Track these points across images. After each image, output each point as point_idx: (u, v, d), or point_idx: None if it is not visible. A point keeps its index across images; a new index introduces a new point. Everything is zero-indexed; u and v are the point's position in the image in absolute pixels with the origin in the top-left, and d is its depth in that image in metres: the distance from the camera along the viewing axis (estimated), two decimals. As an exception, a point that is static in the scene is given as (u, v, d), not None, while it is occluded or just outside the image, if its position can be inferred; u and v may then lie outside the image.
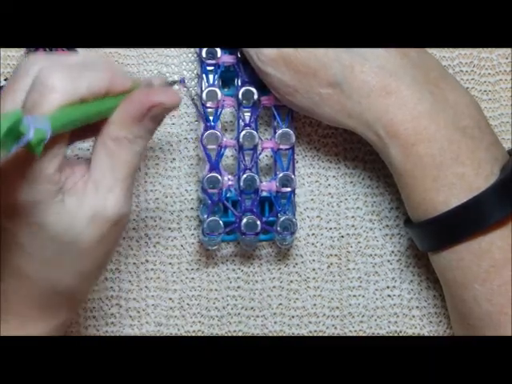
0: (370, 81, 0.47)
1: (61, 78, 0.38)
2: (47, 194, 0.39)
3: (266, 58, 0.48)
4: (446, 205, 0.46)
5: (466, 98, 0.48)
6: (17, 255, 0.41)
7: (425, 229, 0.48)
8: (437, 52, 0.53)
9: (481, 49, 0.54)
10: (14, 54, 0.53)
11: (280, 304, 0.53)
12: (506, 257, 0.45)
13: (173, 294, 0.53)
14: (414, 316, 0.53)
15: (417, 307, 0.53)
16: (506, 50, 0.54)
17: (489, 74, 0.54)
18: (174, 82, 0.48)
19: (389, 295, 0.53)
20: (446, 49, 0.54)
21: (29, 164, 0.38)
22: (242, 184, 0.50)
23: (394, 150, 0.47)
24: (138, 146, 0.41)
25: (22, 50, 0.52)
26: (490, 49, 0.54)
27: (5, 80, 0.52)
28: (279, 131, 0.51)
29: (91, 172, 0.41)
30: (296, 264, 0.53)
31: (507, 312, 0.45)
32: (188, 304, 0.53)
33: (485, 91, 0.54)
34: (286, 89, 0.48)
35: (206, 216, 0.50)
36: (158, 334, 0.53)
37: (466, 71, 0.54)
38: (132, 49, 0.53)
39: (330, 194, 0.54)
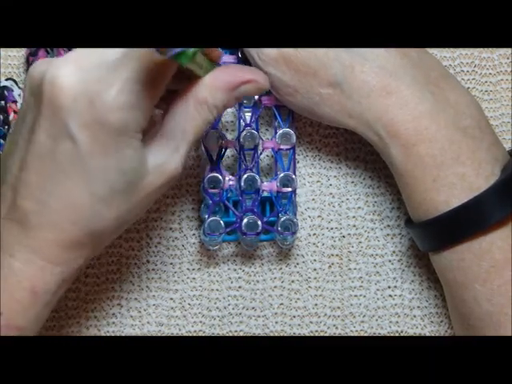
0: (370, 81, 0.47)
1: None
2: (137, 123, 0.41)
3: (267, 57, 0.48)
4: (446, 205, 0.46)
5: (467, 98, 0.48)
6: (76, 181, 0.41)
7: (425, 229, 0.48)
8: (438, 52, 0.53)
9: (482, 49, 0.54)
10: (15, 53, 0.53)
11: (281, 304, 0.53)
12: (506, 257, 0.45)
13: (174, 294, 0.53)
14: (415, 316, 0.53)
15: (418, 307, 0.53)
16: (507, 50, 0.54)
17: (490, 74, 0.54)
18: None
19: (390, 295, 0.53)
20: (446, 49, 0.53)
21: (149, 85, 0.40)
22: (242, 184, 0.50)
23: (394, 150, 0.47)
24: (212, 115, 0.43)
25: (22, 50, 0.52)
26: (491, 49, 0.54)
27: (5, 80, 0.52)
28: (280, 131, 0.51)
29: (163, 126, 0.43)
30: (297, 264, 0.53)
31: (507, 312, 0.45)
32: (189, 304, 0.53)
33: (486, 91, 0.54)
34: (286, 89, 0.48)
35: (206, 216, 0.50)
36: (159, 334, 0.53)
37: (467, 71, 0.54)
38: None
39: (331, 193, 0.54)
